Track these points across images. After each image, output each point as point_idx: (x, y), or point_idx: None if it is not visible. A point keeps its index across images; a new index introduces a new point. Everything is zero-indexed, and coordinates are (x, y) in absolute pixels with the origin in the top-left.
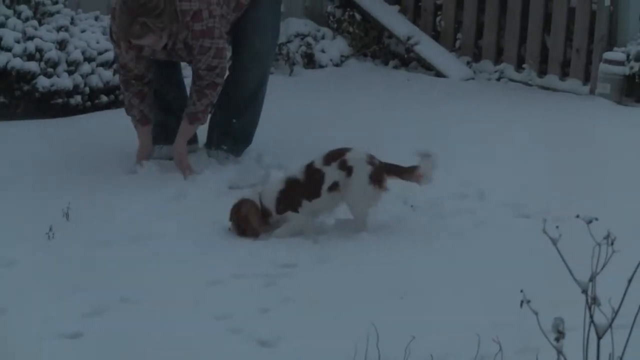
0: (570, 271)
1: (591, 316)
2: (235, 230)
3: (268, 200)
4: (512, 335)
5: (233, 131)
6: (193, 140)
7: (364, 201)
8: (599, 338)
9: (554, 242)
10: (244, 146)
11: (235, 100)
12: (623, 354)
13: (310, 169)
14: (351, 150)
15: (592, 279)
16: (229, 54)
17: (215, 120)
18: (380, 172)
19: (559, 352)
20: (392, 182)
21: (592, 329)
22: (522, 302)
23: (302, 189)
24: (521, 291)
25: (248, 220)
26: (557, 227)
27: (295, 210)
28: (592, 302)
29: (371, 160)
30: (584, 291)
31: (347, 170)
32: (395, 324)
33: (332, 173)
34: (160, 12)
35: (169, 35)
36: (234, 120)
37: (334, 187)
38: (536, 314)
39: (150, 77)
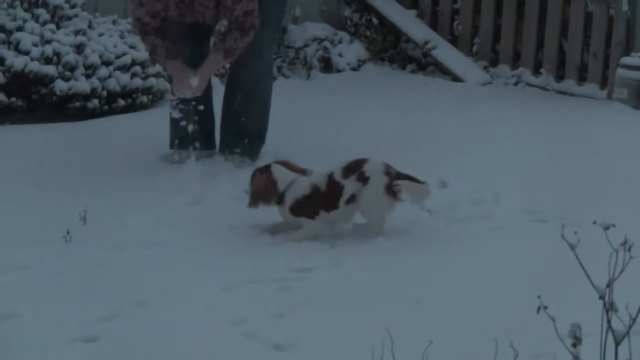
0: (588, 277)
1: (609, 322)
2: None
3: (290, 195)
4: (528, 340)
5: (245, 131)
6: (210, 145)
7: (378, 210)
8: (617, 344)
9: (572, 247)
10: (259, 146)
11: (242, 99)
12: None
13: (331, 181)
14: (368, 162)
15: (609, 284)
16: None
17: (225, 122)
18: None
19: (576, 357)
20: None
21: (610, 335)
22: (539, 307)
23: (322, 199)
24: (538, 297)
25: (256, 189)
26: (575, 232)
27: (312, 217)
28: (610, 308)
29: (388, 170)
30: (602, 297)
31: (364, 181)
32: (411, 328)
33: (350, 186)
34: None
35: None
36: (243, 119)
37: (352, 199)
38: (553, 320)
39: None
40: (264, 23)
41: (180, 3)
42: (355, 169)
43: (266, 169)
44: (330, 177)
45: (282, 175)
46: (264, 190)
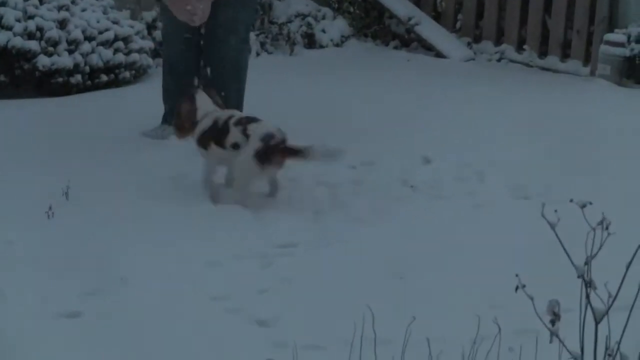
0: (567, 255)
1: (587, 299)
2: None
3: (200, 126)
4: (511, 317)
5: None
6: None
7: (244, 173)
8: (597, 323)
9: (552, 226)
10: None
11: (218, 76)
12: (621, 338)
13: (226, 123)
14: (257, 122)
15: (587, 262)
16: None
17: None
18: (269, 153)
19: (554, 334)
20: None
21: (590, 313)
22: (517, 286)
23: (215, 135)
24: (516, 275)
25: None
26: (555, 211)
27: (205, 149)
28: (589, 285)
29: (266, 138)
30: (580, 275)
31: (246, 137)
32: (394, 304)
33: (235, 134)
34: None
35: None
36: (223, 94)
37: (235, 146)
38: (532, 298)
39: None
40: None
41: None
42: (245, 123)
43: (191, 97)
44: (228, 119)
45: (202, 105)
46: (185, 118)
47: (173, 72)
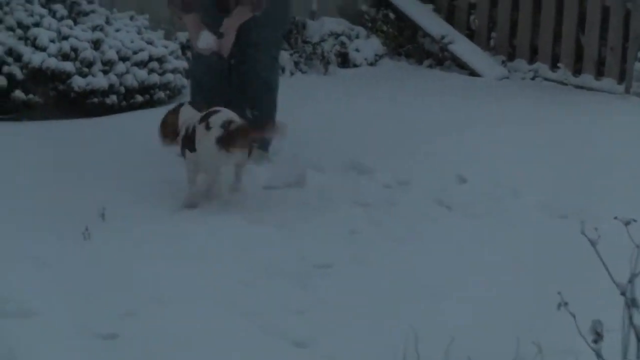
0: (609, 273)
1: (630, 318)
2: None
3: (180, 134)
4: (551, 336)
5: (258, 124)
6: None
7: (210, 161)
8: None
9: (593, 243)
10: (270, 140)
11: (249, 93)
12: None
13: (194, 125)
14: (217, 113)
15: (631, 280)
16: None
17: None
18: (230, 137)
19: (597, 354)
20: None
21: (632, 331)
22: (559, 304)
23: (188, 140)
24: (559, 293)
25: (162, 126)
26: (596, 228)
27: (183, 156)
28: (631, 304)
29: (225, 124)
30: (623, 293)
31: (209, 130)
32: (432, 325)
33: (200, 132)
34: None
35: None
36: (256, 112)
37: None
38: (574, 316)
39: None
40: (267, 19)
41: None
42: (207, 117)
43: (176, 108)
44: (196, 121)
45: (184, 115)
46: (167, 127)
47: (201, 90)
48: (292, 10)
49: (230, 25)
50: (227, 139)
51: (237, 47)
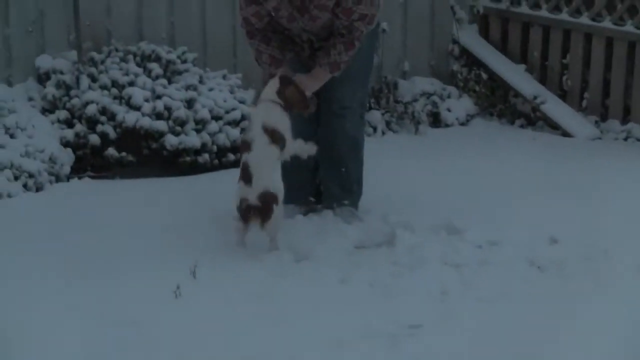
0: None
1: None
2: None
3: None
4: None
5: (348, 182)
6: (317, 199)
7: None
8: None
9: None
10: (359, 196)
11: (337, 152)
12: None
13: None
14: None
15: None
16: None
17: (327, 177)
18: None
19: None
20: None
21: None
22: None
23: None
24: None
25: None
26: None
27: None
28: None
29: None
30: None
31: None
32: None
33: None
34: None
35: None
36: (344, 169)
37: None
38: None
39: (271, 29)
40: (351, 81)
41: (297, 2)
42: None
43: (288, 79)
44: None
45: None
46: (301, 99)
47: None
48: (372, 64)
49: (307, 84)
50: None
51: (322, 104)
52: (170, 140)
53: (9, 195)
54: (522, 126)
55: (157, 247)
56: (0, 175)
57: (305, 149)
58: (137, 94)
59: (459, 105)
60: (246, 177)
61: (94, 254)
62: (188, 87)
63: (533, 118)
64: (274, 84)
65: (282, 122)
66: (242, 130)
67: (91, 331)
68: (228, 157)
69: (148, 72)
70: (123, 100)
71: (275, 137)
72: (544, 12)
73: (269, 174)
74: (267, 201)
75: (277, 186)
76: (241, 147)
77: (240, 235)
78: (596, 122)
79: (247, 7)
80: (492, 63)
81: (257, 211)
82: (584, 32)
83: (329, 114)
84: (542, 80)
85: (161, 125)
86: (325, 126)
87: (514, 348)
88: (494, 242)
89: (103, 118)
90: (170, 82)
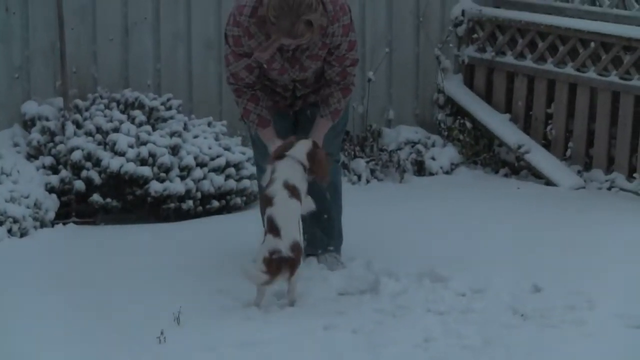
0: None
1: None
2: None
3: None
4: None
5: (329, 229)
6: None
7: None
8: None
9: None
10: (341, 243)
11: (321, 199)
12: None
13: None
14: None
15: None
16: None
17: (311, 224)
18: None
19: None
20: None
21: None
22: None
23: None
24: None
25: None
26: None
27: None
28: None
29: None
30: None
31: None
32: None
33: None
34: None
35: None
36: (325, 216)
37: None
38: None
39: (260, 85)
40: (334, 124)
41: (288, 54)
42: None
43: (317, 144)
44: None
45: None
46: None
47: None
48: (348, 111)
49: (319, 140)
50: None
51: None
52: (155, 187)
53: None
54: (506, 175)
55: (141, 293)
56: None
57: (311, 206)
58: (122, 140)
59: (444, 154)
60: (274, 230)
61: (76, 300)
62: (173, 134)
63: (517, 167)
64: (305, 145)
65: (302, 183)
66: (227, 177)
67: None
68: (212, 204)
69: (132, 119)
70: (108, 146)
71: (294, 193)
72: (528, 62)
73: (295, 226)
74: (297, 252)
75: (301, 239)
76: (262, 200)
77: (262, 290)
78: (579, 171)
79: (236, 62)
80: (477, 112)
81: (287, 263)
82: (568, 82)
83: None
84: (527, 130)
85: (146, 171)
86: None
87: None
88: (478, 290)
89: (88, 164)
90: (154, 128)
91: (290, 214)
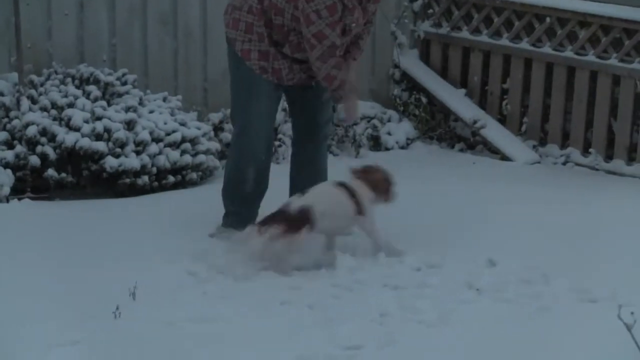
0: None
1: None
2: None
3: None
4: None
5: None
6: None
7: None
8: None
9: (629, 327)
10: None
11: (310, 174)
12: None
13: None
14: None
15: None
16: None
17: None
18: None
19: None
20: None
21: None
22: None
23: None
24: None
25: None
26: (632, 313)
27: None
28: None
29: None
30: None
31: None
32: None
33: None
34: None
35: None
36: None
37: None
38: None
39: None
40: (327, 101)
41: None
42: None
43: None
44: None
45: None
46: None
47: (254, 163)
48: None
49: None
50: None
51: (305, 135)
52: (110, 162)
53: None
54: (461, 150)
55: (96, 268)
56: None
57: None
58: (77, 115)
59: (399, 129)
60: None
61: (30, 276)
62: (128, 109)
63: (473, 142)
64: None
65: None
66: (182, 152)
67: (30, 352)
68: (168, 179)
69: (87, 95)
70: (63, 122)
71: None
72: (484, 38)
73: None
74: (306, 215)
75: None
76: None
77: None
78: (535, 146)
79: (333, 31)
80: (433, 87)
81: (292, 223)
82: (524, 57)
83: (314, 141)
84: (482, 105)
85: (101, 146)
86: (310, 151)
87: None
88: (433, 265)
89: (43, 139)
90: (109, 104)
91: (330, 194)
